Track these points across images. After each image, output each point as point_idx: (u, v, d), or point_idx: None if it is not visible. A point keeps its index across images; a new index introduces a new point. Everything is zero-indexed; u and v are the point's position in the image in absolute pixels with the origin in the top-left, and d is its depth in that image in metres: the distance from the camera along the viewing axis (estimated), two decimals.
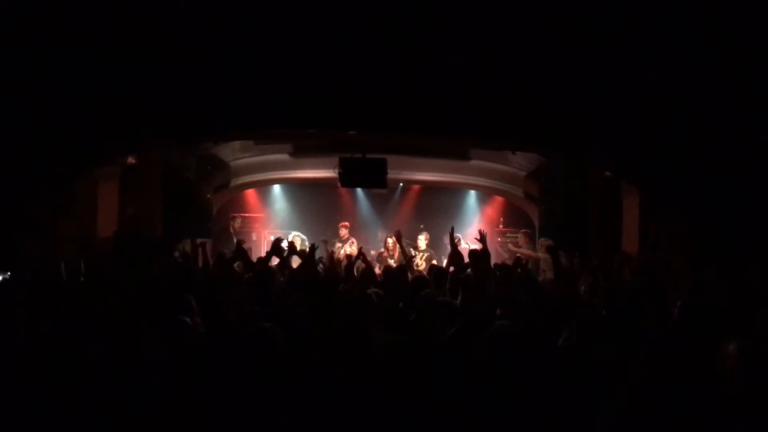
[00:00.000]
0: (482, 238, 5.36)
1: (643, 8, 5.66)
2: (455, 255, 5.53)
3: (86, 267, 5.87)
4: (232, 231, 11.21)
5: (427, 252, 10.62)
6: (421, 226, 11.71)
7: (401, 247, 6.74)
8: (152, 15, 5.97)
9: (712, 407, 2.49)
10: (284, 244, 6.37)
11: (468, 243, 10.78)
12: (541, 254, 8.69)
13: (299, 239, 11.72)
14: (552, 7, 5.77)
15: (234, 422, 2.76)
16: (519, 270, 5.74)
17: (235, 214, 11.98)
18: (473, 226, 12.14)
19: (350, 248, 10.69)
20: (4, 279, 5.44)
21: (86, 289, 4.95)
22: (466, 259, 5.75)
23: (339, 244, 11.06)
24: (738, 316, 3.87)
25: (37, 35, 5.97)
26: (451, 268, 5.48)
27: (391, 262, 10.23)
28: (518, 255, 9.98)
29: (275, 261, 6.25)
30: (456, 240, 6.96)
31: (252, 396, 2.83)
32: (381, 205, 13.30)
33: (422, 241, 10.90)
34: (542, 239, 9.59)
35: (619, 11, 5.69)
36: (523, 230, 10.90)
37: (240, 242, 7.20)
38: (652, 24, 5.79)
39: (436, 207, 12.82)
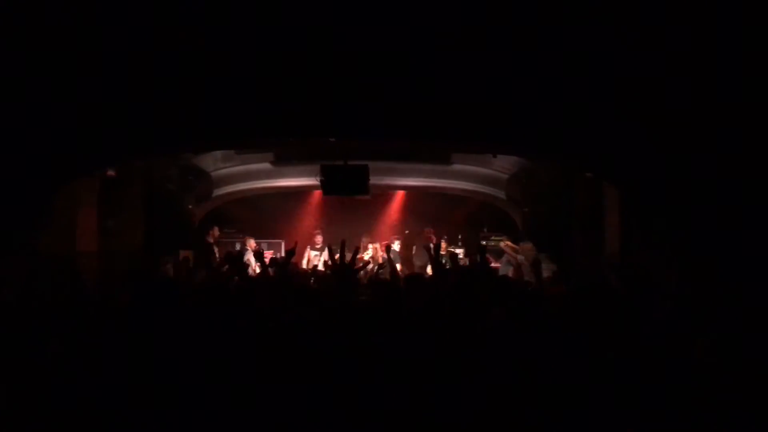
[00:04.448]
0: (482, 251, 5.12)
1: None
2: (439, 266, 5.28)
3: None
4: (211, 241, 10.99)
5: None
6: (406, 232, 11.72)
7: (389, 258, 6.68)
8: (129, 25, 5.91)
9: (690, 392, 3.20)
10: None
11: (452, 248, 10.78)
12: (519, 256, 8.73)
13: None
14: (526, 10, 5.78)
15: None
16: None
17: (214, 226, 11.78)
18: (456, 231, 12.16)
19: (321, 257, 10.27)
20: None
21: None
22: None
23: (315, 253, 10.81)
24: (710, 314, 4.14)
25: (12, 47, 5.90)
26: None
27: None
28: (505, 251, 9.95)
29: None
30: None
31: None
32: (363, 209, 13.21)
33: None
34: (521, 243, 9.62)
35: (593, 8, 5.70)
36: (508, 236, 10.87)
37: (229, 252, 7.06)
38: (631, 24, 5.81)
39: (419, 211, 12.80)
